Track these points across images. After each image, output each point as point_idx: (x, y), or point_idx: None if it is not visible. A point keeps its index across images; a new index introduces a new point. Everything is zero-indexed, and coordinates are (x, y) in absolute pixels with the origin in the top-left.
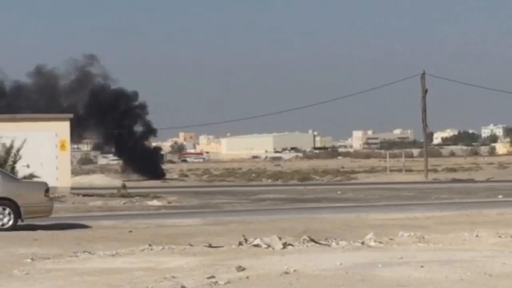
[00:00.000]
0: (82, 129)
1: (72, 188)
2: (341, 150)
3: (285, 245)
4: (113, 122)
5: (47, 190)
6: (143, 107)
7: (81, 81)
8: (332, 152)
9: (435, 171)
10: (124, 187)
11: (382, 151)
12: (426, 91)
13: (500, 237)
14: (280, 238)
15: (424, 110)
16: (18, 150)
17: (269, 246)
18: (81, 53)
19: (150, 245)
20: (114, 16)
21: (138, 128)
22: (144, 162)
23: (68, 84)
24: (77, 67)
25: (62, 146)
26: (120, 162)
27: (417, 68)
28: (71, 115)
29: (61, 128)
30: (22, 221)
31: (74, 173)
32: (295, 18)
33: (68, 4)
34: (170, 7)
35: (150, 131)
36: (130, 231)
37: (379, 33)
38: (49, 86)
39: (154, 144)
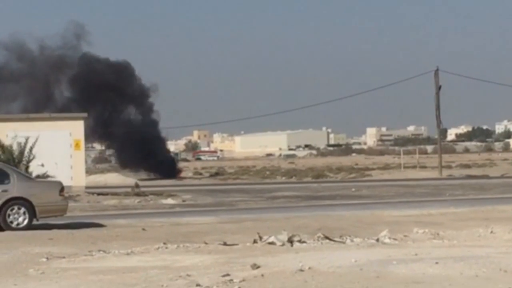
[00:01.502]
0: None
1: (87, 187)
2: (355, 147)
3: (290, 238)
4: (107, 105)
5: (61, 189)
6: (147, 92)
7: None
8: (346, 149)
9: (449, 167)
10: (137, 186)
11: (396, 148)
12: (439, 87)
13: None
14: (294, 235)
15: (437, 107)
16: (31, 149)
17: (283, 243)
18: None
19: (165, 243)
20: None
21: (138, 117)
22: (151, 158)
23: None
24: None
25: (77, 146)
26: (113, 155)
27: (430, 65)
28: (85, 115)
29: (76, 127)
30: (37, 220)
31: (89, 172)
32: (309, 14)
33: None
34: (187, 4)
35: (153, 122)
36: (145, 230)
37: (392, 30)
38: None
39: (169, 142)
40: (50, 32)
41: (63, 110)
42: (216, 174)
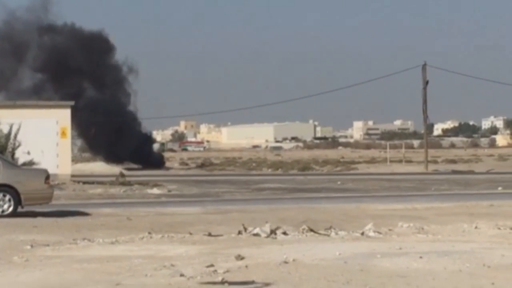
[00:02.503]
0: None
1: (73, 176)
2: (341, 140)
3: (274, 230)
4: (78, 86)
5: (47, 177)
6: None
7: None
8: (332, 142)
9: (435, 162)
10: (122, 175)
11: (383, 142)
12: (427, 82)
13: (499, 228)
14: (277, 228)
15: (424, 101)
16: (15, 136)
17: (268, 235)
18: None
19: (149, 233)
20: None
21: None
22: (126, 147)
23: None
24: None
25: (63, 134)
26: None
27: (418, 60)
28: (72, 103)
29: (62, 115)
30: (22, 207)
31: (75, 160)
32: (298, 8)
33: None
34: None
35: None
36: (130, 219)
37: (381, 24)
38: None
39: (155, 132)
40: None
41: (33, 89)
42: (203, 165)
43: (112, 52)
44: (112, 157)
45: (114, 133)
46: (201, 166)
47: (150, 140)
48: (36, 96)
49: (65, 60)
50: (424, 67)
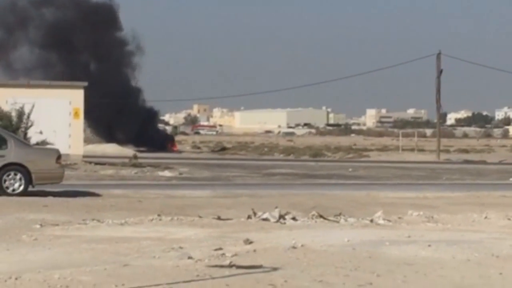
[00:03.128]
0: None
1: (84, 156)
2: (354, 127)
3: (282, 216)
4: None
5: (58, 157)
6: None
7: None
8: (345, 129)
9: (448, 151)
10: (135, 157)
11: (395, 130)
12: (441, 71)
13: (509, 219)
14: (287, 213)
15: (438, 91)
16: (28, 116)
17: (277, 220)
18: None
19: (159, 215)
20: None
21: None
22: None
23: None
24: None
25: (76, 114)
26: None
27: (433, 48)
28: (85, 83)
29: (75, 96)
30: (33, 186)
31: (87, 141)
32: None
33: None
34: None
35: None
36: (140, 201)
37: (396, 12)
38: None
39: (168, 115)
40: None
41: (32, 65)
42: (222, 149)
43: (119, 26)
44: (114, 139)
45: (116, 114)
46: (216, 150)
47: (154, 120)
48: (38, 73)
49: (68, 34)
50: (438, 55)
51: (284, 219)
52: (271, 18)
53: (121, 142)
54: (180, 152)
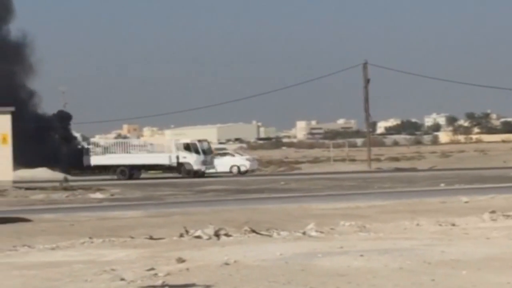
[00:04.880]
0: None
1: (14, 182)
2: (285, 140)
3: (217, 232)
4: None
5: None
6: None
7: None
8: (276, 143)
9: (379, 160)
10: (65, 180)
11: (326, 141)
12: (368, 80)
13: (440, 225)
14: (220, 229)
15: (366, 100)
16: None
17: (210, 237)
18: None
19: (90, 238)
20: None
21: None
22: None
23: None
24: None
25: (3, 140)
26: None
27: (359, 58)
28: (12, 109)
29: (2, 121)
30: None
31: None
32: (238, 8)
33: None
34: None
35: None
36: (72, 224)
37: (321, 23)
38: None
39: (98, 136)
40: None
41: None
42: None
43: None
44: (25, 164)
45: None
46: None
47: (69, 139)
48: None
49: None
50: (365, 65)
51: (218, 236)
52: (196, 33)
53: (33, 166)
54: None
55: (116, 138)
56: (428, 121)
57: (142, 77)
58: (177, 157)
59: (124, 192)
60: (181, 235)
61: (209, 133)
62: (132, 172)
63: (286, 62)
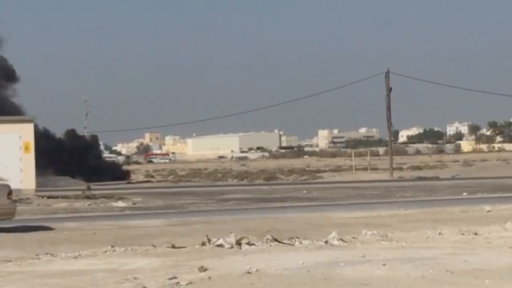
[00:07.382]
0: None
1: (37, 190)
2: (307, 149)
3: (239, 241)
4: None
5: (9, 192)
6: None
7: None
8: (298, 152)
9: (401, 169)
10: (88, 188)
11: (348, 150)
12: (390, 89)
13: (463, 234)
14: (242, 238)
15: (388, 109)
16: None
17: (232, 246)
18: None
19: (112, 246)
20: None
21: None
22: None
23: None
24: None
25: (26, 148)
26: None
27: (381, 67)
28: (35, 117)
29: (25, 130)
30: None
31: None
32: (260, 18)
33: None
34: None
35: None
36: (94, 233)
37: (344, 32)
38: None
39: (118, 146)
40: None
41: None
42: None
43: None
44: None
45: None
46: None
47: (92, 150)
48: None
49: None
50: (387, 74)
51: (240, 244)
52: (219, 42)
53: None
54: (131, 182)
55: (138, 147)
56: (451, 130)
57: (165, 86)
58: None
59: (146, 200)
60: (203, 244)
61: (231, 142)
62: None
63: (308, 71)
